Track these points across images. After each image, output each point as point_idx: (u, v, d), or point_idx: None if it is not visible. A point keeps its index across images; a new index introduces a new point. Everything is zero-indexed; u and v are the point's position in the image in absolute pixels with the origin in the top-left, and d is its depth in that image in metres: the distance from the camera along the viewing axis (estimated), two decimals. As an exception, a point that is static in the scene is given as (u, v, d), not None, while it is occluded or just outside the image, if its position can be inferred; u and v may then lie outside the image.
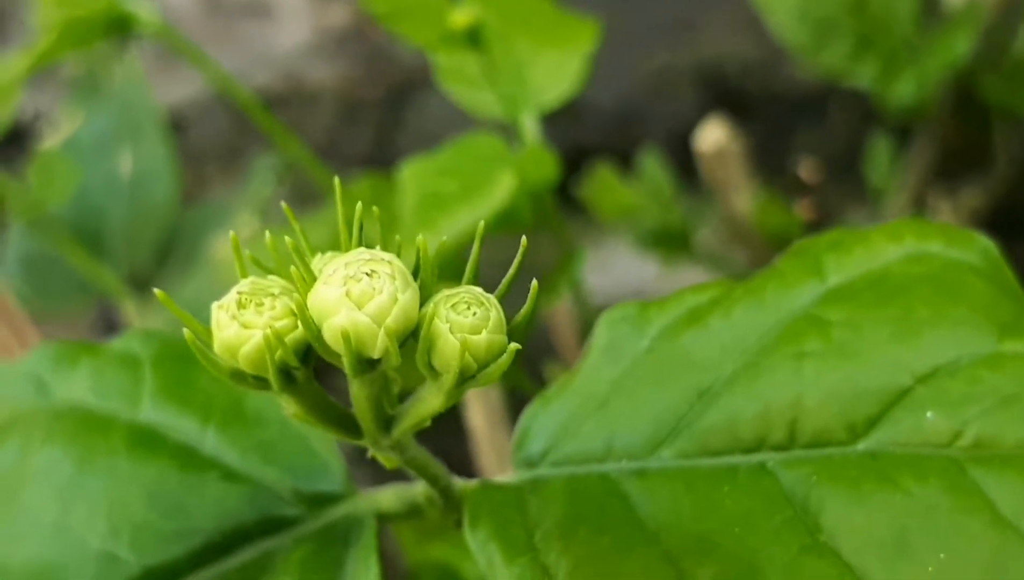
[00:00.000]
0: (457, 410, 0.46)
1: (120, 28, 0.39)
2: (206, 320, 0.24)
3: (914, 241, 0.26)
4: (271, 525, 0.28)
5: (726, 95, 0.72)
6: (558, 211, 0.45)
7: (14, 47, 0.77)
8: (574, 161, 0.76)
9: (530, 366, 0.50)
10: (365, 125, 0.80)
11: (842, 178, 0.68)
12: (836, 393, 0.25)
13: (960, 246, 0.25)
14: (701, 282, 0.28)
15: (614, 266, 0.62)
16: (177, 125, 0.75)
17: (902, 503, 0.23)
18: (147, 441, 0.29)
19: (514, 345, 0.22)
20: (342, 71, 0.80)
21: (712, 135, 0.51)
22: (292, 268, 0.22)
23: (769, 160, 0.69)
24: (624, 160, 0.65)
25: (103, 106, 0.56)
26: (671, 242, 0.51)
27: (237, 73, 0.74)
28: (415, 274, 0.23)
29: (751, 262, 0.54)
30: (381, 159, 0.78)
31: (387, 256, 0.22)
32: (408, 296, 0.22)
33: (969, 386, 0.24)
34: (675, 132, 0.70)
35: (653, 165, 0.53)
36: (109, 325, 0.58)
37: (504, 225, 0.39)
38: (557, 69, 0.41)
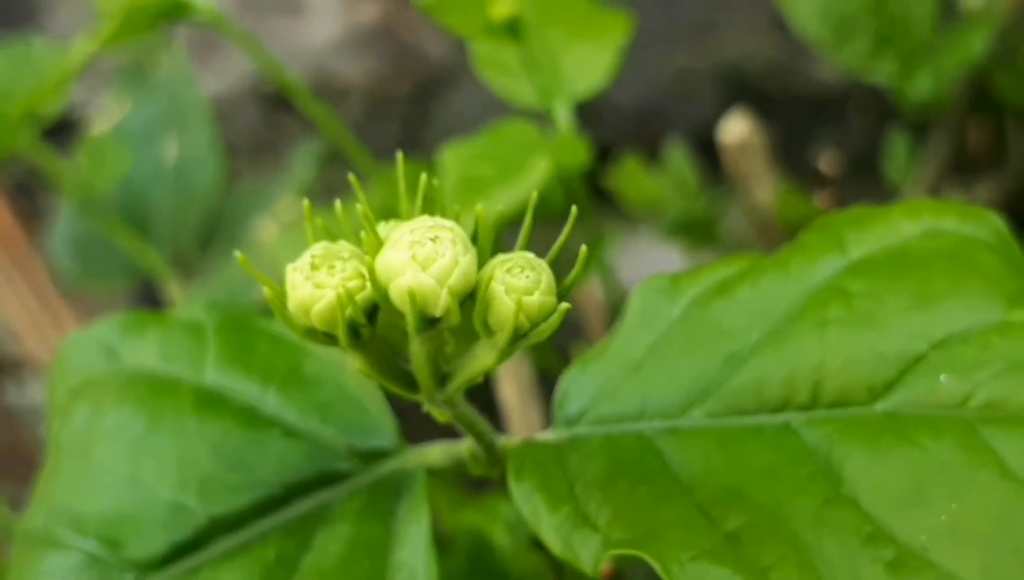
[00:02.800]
0: (489, 385, 0.48)
1: (177, 14, 0.41)
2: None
3: (931, 218, 0.28)
4: (328, 478, 0.30)
5: (746, 96, 0.73)
6: (588, 198, 0.47)
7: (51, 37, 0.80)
8: (600, 158, 0.78)
9: (558, 348, 0.52)
10: (392, 120, 0.82)
11: (860, 177, 0.70)
12: (857, 358, 0.27)
13: (973, 223, 0.27)
14: (729, 255, 0.30)
15: (639, 258, 0.64)
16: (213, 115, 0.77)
17: (918, 458, 0.25)
18: (212, 402, 0.31)
19: (565, 305, 0.24)
20: (370, 67, 0.82)
21: (736, 128, 0.53)
22: (362, 233, 0.24)
23: (789, 159, 0.71)
24: (648, 155, 0.67)
25: (150, 95, 0.58)
26: (696, 230, 0.53)
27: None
28: (473, 240, 0.25)
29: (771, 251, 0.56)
30: (407, 153, 0.79)
31: (448, 223, 0.24)
32: (468, 259, 0.24)
33: (980, 352, 0.26)
34: (695, 132, 0.72)
35: (678, 157, 0.55)
36: (152, 305, 0.60)
37: (536, 210, 0.41)
38: (590, 60, 0.43)
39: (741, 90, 0.74)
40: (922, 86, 0.51)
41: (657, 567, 0.25)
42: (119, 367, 0.32)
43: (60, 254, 0.54)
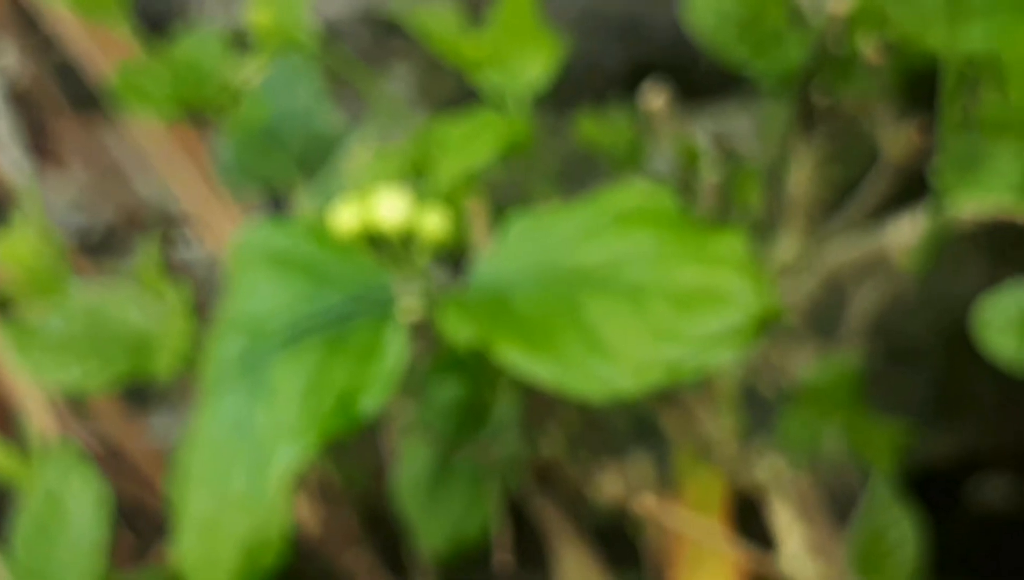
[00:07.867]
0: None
1: (294, 46, 0.73)
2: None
3: (645, 193, 0.59)
4: (359, 309, 0.63)
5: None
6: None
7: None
8: (638, 76, 1.05)
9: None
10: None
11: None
12: (599, 256, 0.58)
13: (659, 197, 0.59)
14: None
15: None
16: (329, 36, 1.07)
17: (616, 303, 0.57)
18: (307, 267, 0.64)
19: (451, 226, 0.56)
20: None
21: (653, 99, 0.82)
22: (370, 197, 0.56)
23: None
24: (681, 76, 0.96)
25: (282, 60, 0.90)
26: (625, 166, 0.84)
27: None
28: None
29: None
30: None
31: (405, 194, 0.56)
32: (413, 209, 0.56)
33: (647, 257, 0.57)
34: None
35: (620, 117, 0.85)
36: (278, 203, 0.93)
37: (509, 152, 0.73)
38: (535, 63, 0.73)
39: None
40: (764, 74, 0.80)
41: (495, 351, 0.57)
42: (264, 245, 0.65)
43: (225, 170, 0.88)
